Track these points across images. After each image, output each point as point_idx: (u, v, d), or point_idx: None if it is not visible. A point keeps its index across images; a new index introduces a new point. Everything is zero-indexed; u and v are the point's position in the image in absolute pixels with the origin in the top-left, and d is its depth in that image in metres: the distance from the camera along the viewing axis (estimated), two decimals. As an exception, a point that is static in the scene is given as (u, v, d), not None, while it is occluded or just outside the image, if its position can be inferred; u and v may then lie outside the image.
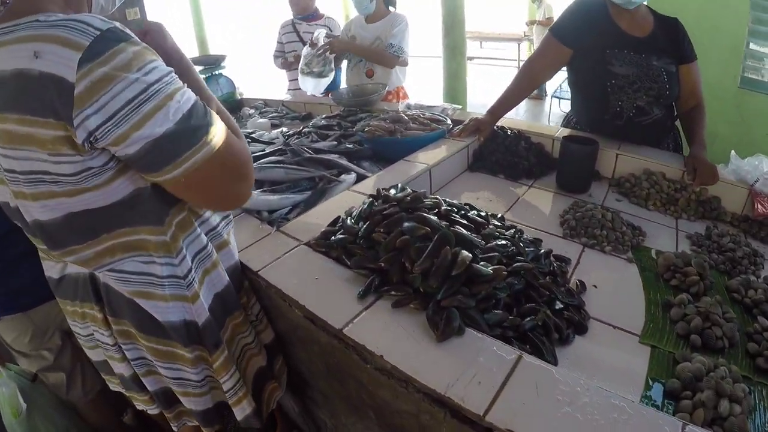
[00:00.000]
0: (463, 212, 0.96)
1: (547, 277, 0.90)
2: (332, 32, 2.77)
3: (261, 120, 2.22)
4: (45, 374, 1.22)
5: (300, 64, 2.27)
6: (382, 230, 0.87)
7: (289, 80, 2.97)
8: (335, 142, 1.67)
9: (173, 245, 0.72)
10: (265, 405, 0.96)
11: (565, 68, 1.59)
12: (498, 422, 0.56)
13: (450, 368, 0.63)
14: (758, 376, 0.79)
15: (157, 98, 0.57)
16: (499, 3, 13.01)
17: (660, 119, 1.46)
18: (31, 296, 1.08)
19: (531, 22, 7.13)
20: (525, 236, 1.03)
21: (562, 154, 1.39)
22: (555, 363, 0.74)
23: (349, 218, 0.99)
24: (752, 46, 2.49)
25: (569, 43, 1.46)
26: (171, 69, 0.62)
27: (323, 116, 2.06)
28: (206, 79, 2.75)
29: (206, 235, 0.80)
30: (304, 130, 1.85)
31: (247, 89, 2.95)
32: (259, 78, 5.29)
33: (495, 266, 0.79)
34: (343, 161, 1.48)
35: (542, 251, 0.97)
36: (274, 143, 1.76)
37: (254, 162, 1.45)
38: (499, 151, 1.54)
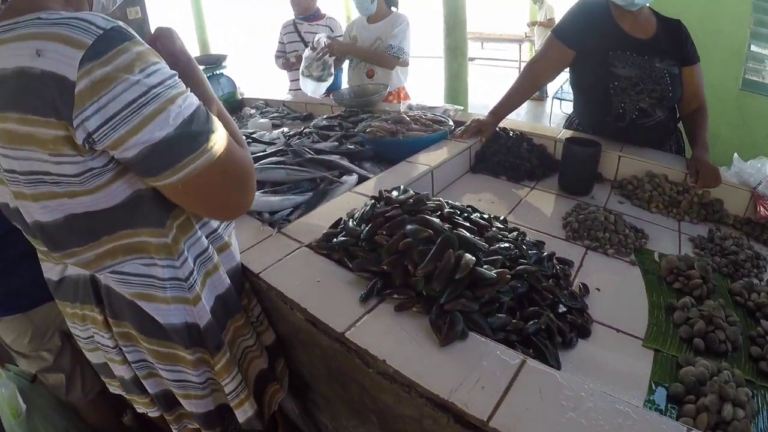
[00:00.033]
0: (466, 215, 0.96)
1: (550, 280, 0.89)
2: (333, 32, 2.77)
3: (262, 120, 2.22)
4: (44, 375, 1.21)
5: (301, 65, 2.26)
6: (384, 233, 0.86)
7: (290, 80, 2.96)
8: (336, 143, 1.67)
9: (174, 247, 0.72)
10: (266, 407, 0.96)
11: (566, 70, 1.59)
12: (502, 428, 0.55)
13: (453, 373, 0.63)
14: (761, 379, 0.78)
15: (157, 102, 0.56)
16: (501, 4, 13.01)
17: (663, 121, 1.46)
18: (30, 297, 1.08)
19: (532, 23, 7.13)
20: (528, 239, 1.03)
21: (564, 155, 1.39)
22: (558, 367, 0.74)
23: (351, 220, 0.99)
24: (753, 48, 2.49)
25: (572, 45, 1.46)
26: (174, 72, 0.61)
27: (324, 117, 2.05)
28: (207, 78, 2.73)
29: (207, 237, 0.80)
30: (305, 130, 1.84)
31: (248, 89, 2.95)
32: (261, 78, 5.29)
33: (498, 270, 0.78)
34: (345, 162, 1.47)
35: (545, 254, 0.96)
36: (275, 143, 1.76)
37: (255, 162, 1.46)
38: (501, 153, 1.54)
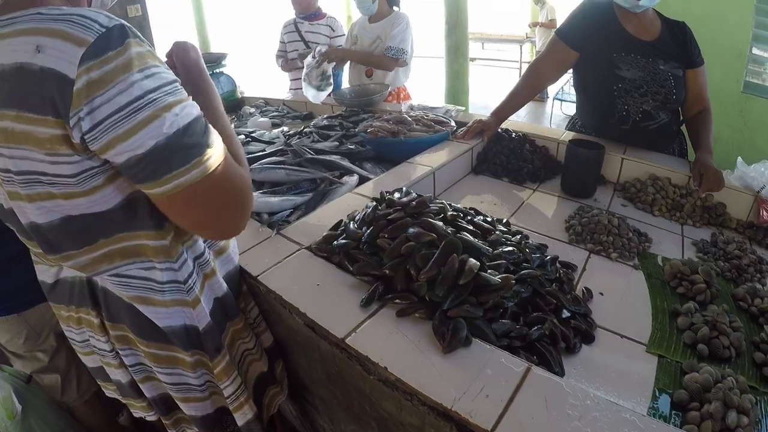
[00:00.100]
0: (469, 217, 0.95)
1: (554, 285, 0.88)
2: (334, 32, 2.76)
3: (262, 119, 2.21)
4: (40, 376, 1.20)
5: (303, 72, 2.26)
6: (386, 236, 0.85)
7: (291, 79, 2.95)
8: (337, 143, 1.66)
9: (173, 250, 0.70)
10: (265, 409, 0.95)
11: (569, 71, 1.58)
12: (506, 437, 0.54)
13: (457, 381, 0.62)
14: (764, 386, 0.78)
15: (152, 108, 0.54)
16: (502, 4, 13.00)
17: (666, 124, 1.45)
18: (25, 297, 1.06)
19: (533, 24, 7.13)
20: (530, 242, 1.02)
21: (567, 158, 1.38)
22: (562, 373, 0.73)
23: (351, 222, 0.97)
24: (755, 50, 2.49)
25: (576, 46, 1.45)
26: (175, 79, 0.59)
27: (325, 116, 2.04)
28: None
29: (204, 241, 0.78)
30: (305, 129, 1.83)
31: (248, 88, 2.93)
32: (261, 77, 5.27)
33: (503, 275, 0.77)
34: (345, 162, 1.46)
35: (548, 257, 0.95)
36: (275, 143, 1.74)
37: (254, 162, 1.45)
38: (504, 154, 1.53)
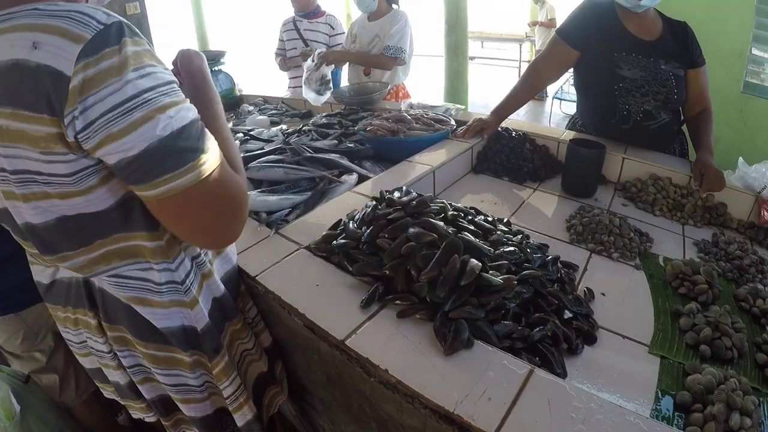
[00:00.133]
0: (470, 217, 0.94)
1: (555, 285, 0.88)
2: (334, 30, 2.75)
3: (260, 117, 2.20)
4: (38, 376, 1.19)
5: (303, 76, 2.25)
6: (386, 236, 0.84)
7: (290, 77, 2.94)
8: (336, 141, 1.65)
9: (170, 250, 0.69)
10: (265, 409, 0.94)
11: (570, 70, 1.57)
12: (510, 441, 0.54)
13: (458, 383, 0.61)
14: (767, 387, 0.77)
15: (146, 108, 0.53)
16: (502, 4, 12.99)
17: (667, 124, 1.45)
18: (20, 297, 1.05)
19: (533, 23, 7.12)
20: (531, 241, 1.01)
21: (568, 157, 1.37)
22: (564, 374, 0.72)
23: (351, 222, 0.96)
24: (755, 51, 2.48)
25: (576, 45, 1.44)
26: (173, 80, 0.57)
27: (324, 114, 2.03)
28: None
29: None
30: (303, 128, 1.82)
31: (247, 86, 2.92)
32: (260, 75, 5.25)
33: (505, 275, 0.77)
34: (344, 161, 1.45)
35: (549, 257, 0.95)
36: (273, 141, 1.73)
37: (253, 160, 1.44)
38: (504, 153, 1.52)
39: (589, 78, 1.51)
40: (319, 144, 1.59)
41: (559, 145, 1.56)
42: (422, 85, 5.04)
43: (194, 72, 0.75)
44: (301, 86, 2.26)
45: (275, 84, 3.67)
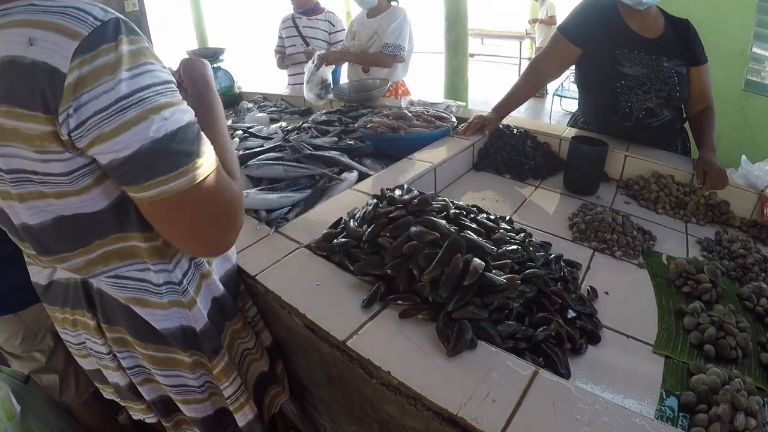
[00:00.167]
0: (472, 215, 0.93)
1: (558, 284, 0.87)
2: (334, 27, 2.73)
3: (260, 114, 2.19)
4: (38, 376, 1.19)
5: (305, 77, 2.24)
6: (387, 234, 0.83)
7: (289, 75, 2.92)
8: (336, 138, 1.63)
9: (166, 250, 0.68)
10: (266, 409, 0.94)
11: (571, 67, 1.56)
12: (514, 443, 0.53)
13: (462, 385, 0.60)
14: (771, 387, 0.77)
15: (139, 108, 0.51)
16: (502, 4, 12.93)
17: (669, 121, 1.44)
18: (19, 297, 1.05)
19: (533, 20, 7.09)
20: (534, 240, 1.00)
21: (570, 154, 1.36)
22: (568, 375, 0.72)
23: (352, 220, 0.95)
24: (756, 49, 2.47)
25: (578, 42, 1.43)
26: (170, 80, 0.56)
27: (323, 111, 2.02)
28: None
29: None
30: (303, 125, 1.81)
31: (246, 83, 2.90)
32: (259, 72, 5.23)
33: (508, 275, 0.76)
34: (345, 158, 1.44)
35: (552, 256, 0.94)
36: (273, 138, 1.72)
37: (252, 158, 1.42)
38: (505, 151, 1.51)
39: (590, 75, 1.50)
40: (319, 141, 1.58)
41: (561, 143, 1.55)
42: (422, 82, 5.02)
43: (197, 77, 0.74)
44: (301, 83, 2.25)
45: (275, 81, 3.65)
